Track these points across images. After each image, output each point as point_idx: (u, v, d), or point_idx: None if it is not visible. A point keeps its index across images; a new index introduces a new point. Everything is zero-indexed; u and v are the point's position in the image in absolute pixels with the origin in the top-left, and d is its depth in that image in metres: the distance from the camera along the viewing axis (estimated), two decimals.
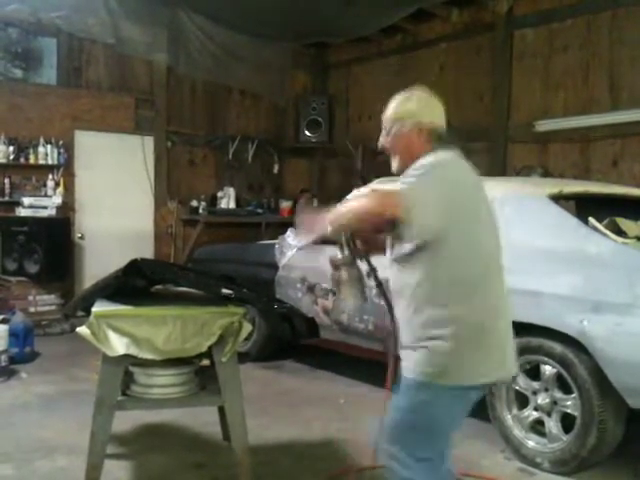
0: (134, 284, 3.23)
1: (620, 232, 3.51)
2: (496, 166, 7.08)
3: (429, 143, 2.25)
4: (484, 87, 7.32)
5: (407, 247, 2.12)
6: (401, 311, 2.22)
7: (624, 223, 3.56)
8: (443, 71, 7.76)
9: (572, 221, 3.57)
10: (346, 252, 2.34)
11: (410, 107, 2.32)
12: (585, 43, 6.42)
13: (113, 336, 2.83)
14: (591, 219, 3.52)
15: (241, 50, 8.51)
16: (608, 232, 3.44)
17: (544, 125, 6.70)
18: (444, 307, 2.09)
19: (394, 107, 2.36)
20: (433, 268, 2.10)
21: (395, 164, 2.34)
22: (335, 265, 2.36)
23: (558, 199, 3.76)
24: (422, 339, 2.11)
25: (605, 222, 3.56)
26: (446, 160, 2.18)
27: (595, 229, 3.49)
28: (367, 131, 8.41)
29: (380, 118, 2.44)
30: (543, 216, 3.70)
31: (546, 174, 6.68)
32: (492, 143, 7.20)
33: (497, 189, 4.09)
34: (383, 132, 2.37)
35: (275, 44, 8.62)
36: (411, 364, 2.14)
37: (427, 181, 2.07)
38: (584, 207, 3.81)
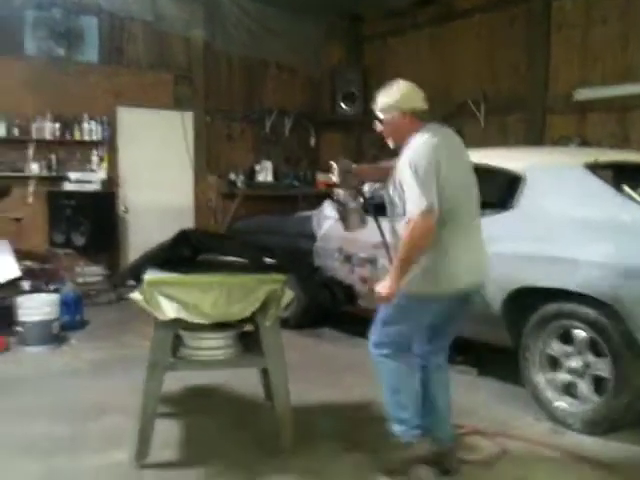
0: (181, 253, 3.39)
1: None
2: (533, 137, 7.07)
3: (414, 123, 2.89)
4: (520, 58, 7.28)
5: None
6: None
7: None
8: (478, 42, 7.73)
9: (607, 190, 3.61)
10: (348, 191, 3.12)
11: (392, 99, 2.93)
12: (623, 14, 6.33)
13: (164, 302, 3.00)
14: (626, 187, 3.56)
15: (276, 24, 8.59)
16: None
17: (583, 94, 6.66)
18: None
19: (380, 101, 2.96)
20: None
21: (391, 143, 2.99)
22: (339, 201, 3.14)
23: (594, 168, 3.81)
24: None
25: None
26: (428, 144, 2.81)
27: (630, 197, 3.53)
28: None
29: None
30: (579, 185, 3.75)
31: (584, 144, 6.65)
32: (529, 114, 7.18)
33: (534, 159, 4.16)
34: (375, 121, 2.99)
35: (310, 17, 8.67)
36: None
37: (423, 178, 2.73)
38: (621, 176, 3.85)
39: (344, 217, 3.19)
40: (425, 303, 2.88)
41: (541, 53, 7.03)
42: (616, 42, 6.42)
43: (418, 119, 2.89)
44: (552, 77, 7.01)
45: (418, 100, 2.92)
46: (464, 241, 2.87)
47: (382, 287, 2.82)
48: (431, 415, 3.07)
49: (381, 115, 2.95)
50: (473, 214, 2.97)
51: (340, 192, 3.16)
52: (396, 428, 3.04)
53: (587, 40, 6.67)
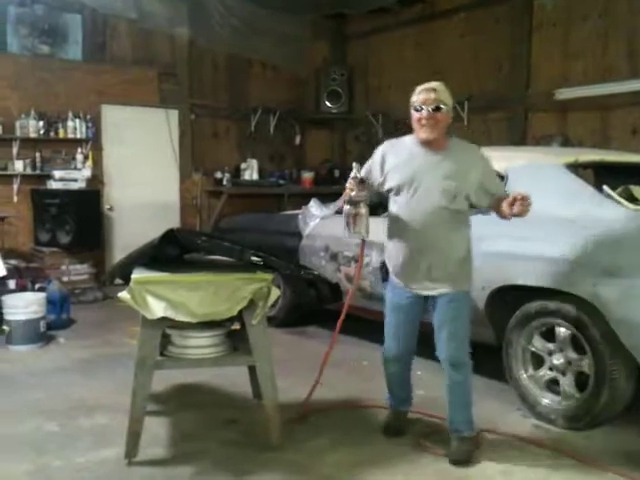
0: (168, 252, 3.42)
1: (634, 199, 3.63)
2: (516, 135, 7.16)
3: None
4: (503, 56, 7.37)
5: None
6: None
7: (638, 191, 3.67)
8: (462, 41, 7.80)
9: (587, 189, 3.69)
10: (364, 192, 3.03)
11: (449, 96, 3.03)
12: (604, 12, 6.43)
13: (151, 300, 3.02)
14: (605, 187, 3.63)
15: (261, 23, 8.58)
16: (621, 199, 3.55)
17: (564, 93, 6.75)
18: None
19: (447, 94, 3.01)
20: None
21: (434, 135, 3.01)
22: (353, 202, 3.03)
23: (575, 168, 3.88)
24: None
25: (619, 190, 3.67)
26: None
27: (609, 197, 3.60)
28: (387, 101, 8.49)
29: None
30: (559, 184, 3.81)
31: (566, 142, 6.75)
32: (512, 112, 7.27)
33: (515, 159, 4.23)
34: (440, 107, 2.97)
35: (294, 16, 8.69)
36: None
37: None
38: (602, 175, 3.92)
39: (354, 221, 3.08)
40: None
41: (523, 51, 7.12)
42: (597, 40, 6.52)
43: None
44: (533, 75, 7.11)
45: None
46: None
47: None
48: None
49: (443, 107, 2.98)
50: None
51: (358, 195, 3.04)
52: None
53: (568, 38, 6.77)
